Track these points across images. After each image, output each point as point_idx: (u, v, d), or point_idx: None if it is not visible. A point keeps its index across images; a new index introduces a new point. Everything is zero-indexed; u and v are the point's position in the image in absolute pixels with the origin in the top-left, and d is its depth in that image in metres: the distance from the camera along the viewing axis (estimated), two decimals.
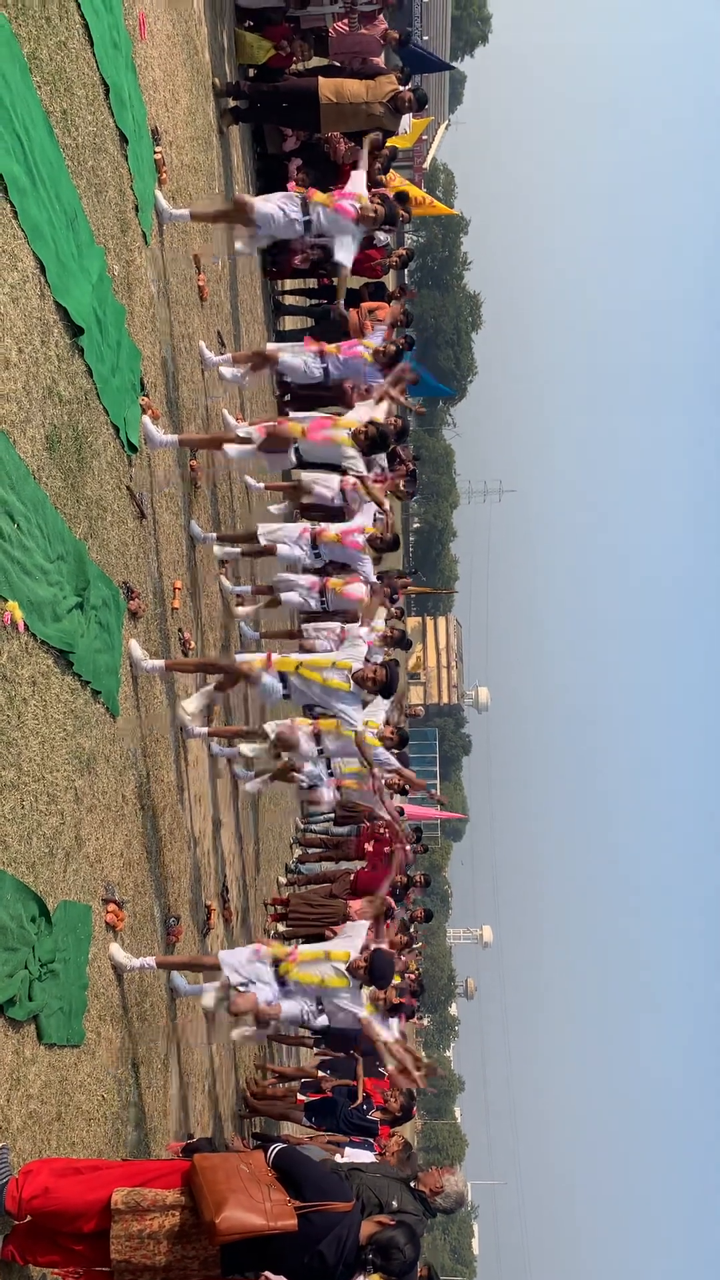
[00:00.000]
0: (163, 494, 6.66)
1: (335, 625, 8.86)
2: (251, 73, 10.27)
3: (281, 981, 5.52)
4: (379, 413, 7.51)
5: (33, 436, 4.25)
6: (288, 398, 11.43)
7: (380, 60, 10.70)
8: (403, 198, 12.43)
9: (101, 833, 4.96)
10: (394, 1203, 4.79)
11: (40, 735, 4.22)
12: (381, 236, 11.63)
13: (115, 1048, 5.04)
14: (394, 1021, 7.95)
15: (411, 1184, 5.04)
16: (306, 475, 7.69)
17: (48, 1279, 3.88)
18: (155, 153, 6.65)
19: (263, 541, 7.50)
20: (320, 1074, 8.80)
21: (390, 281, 13.88)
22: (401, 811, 14.14)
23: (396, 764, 8.13)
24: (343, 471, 7.58)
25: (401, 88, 9.81)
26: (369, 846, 11.61)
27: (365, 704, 7.03)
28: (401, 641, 11.02)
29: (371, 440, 7.31)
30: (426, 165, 53.68)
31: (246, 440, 7.00)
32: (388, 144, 11.02)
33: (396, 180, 14.94)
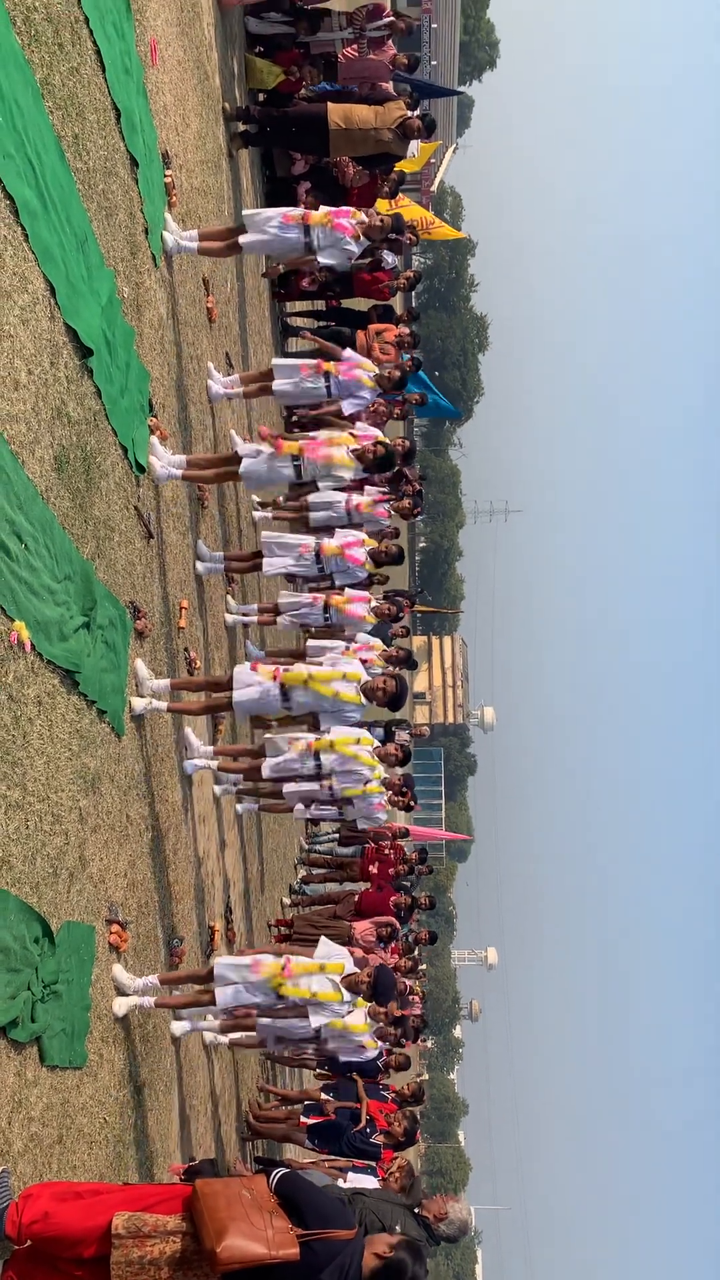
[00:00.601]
0: (170, 514, 6.68)
1: (340, 644, 8.86)
2: (261, 97, 10.37)
3: (277, 997, 5.50)
4: (372, 433, 7.60)
5: (41, 457, 4.27)
6: (294, 418, 11.47)
7: (389, 86, 10.79)
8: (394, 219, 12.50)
9: (105, 853, 4.95)
10: (397, 1229, 4.75)
11: (45, 755, 4.22)
12: (389, 259, 11.71)
13: (117, 1069, 5.02)
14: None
15: (415, 1210, 5.00)
16: (312, 497, 7.71)
17: None
18: (165, 176, 6.71)
19: (267, 572, 7.52)
20: (323, 1096, 8.74)
21: (398, 304, 13.96)
22: (407, 832, 14.10)
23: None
24: (348, 490, 7.62)
25: (410, 113, 9.90)
26: (373, 868, 11.57)
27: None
28: (407, 661, 11.02)
29: (378, 459, 7.34)
30: (434, 188, 54.08)
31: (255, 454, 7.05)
32: (396, 168, 11.10)
33: (404, 202, 15.05)
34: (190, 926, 6.74)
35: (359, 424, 7.94)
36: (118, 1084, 5.00)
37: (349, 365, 7.75)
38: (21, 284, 4.09)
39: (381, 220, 7.52)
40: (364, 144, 9.88)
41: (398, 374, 8.14)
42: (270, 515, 9.02)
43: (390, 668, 8.78)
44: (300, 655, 8.56)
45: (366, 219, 7.45)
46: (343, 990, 5.56)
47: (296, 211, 7.38)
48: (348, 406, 7.74)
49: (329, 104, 10.03)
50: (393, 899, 11.09)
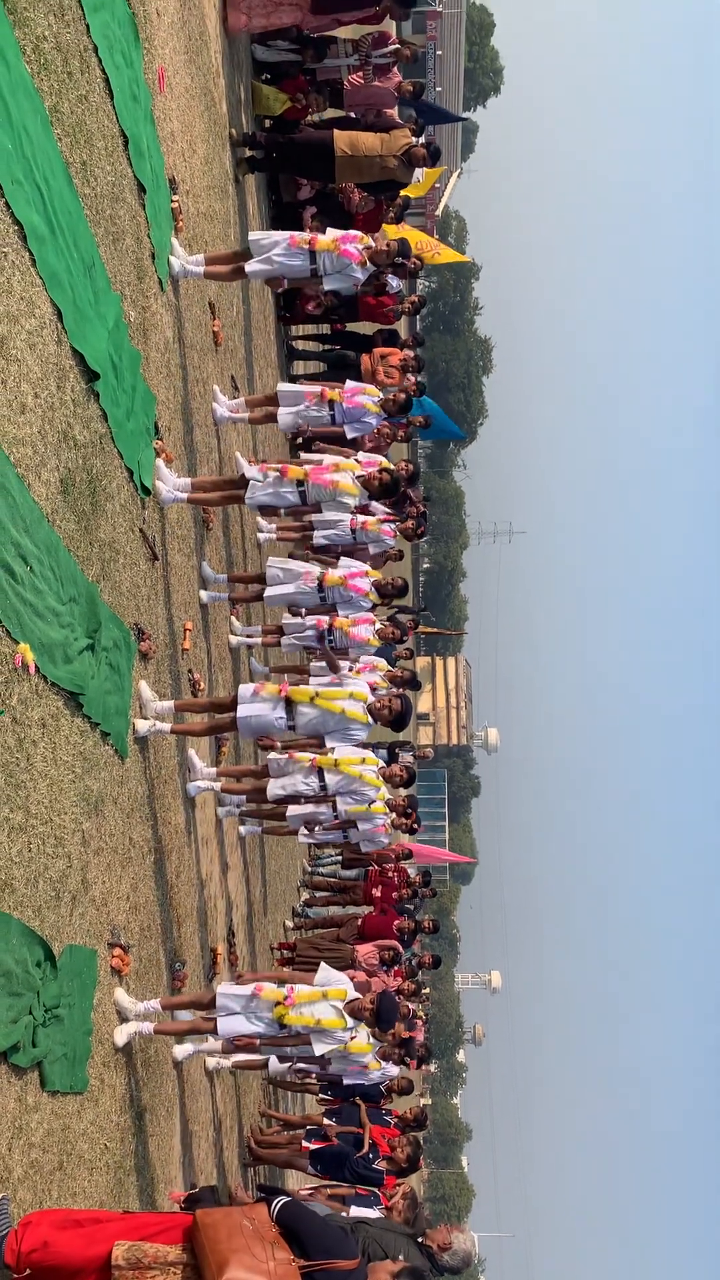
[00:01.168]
0: (175, 536, 6.70)
1: (344, 664, 8.85)
2: (268, 124, 10.47)
3: (280, 1026, 5.46)
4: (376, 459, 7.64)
5: (48, 480, 4.28)
6: (299, 441, 11.52)
7: (394, 113, 10.90)
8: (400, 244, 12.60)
9: (108, 876, 4.93)
10: (400, 1258, 4.71)
11: (49, 778, 4.22)
12: (394, 283, 11.78)
13: (119, 1095, 4.98)
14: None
15: (419, 1240, 4.95)
16: (316, 517, 7.73)
17: None
18: (172, 201, 6.77)
19: (269, 602, 7.53)
20: (326, 1121, 8.67)
21: (403, 328, 14.03)
22: (410, 853, 14.05)
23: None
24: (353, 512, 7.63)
25: (415, 140, 9.98)
26: (377, 891, 11.52)
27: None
28: (411, 682, 11.01)
29: (384, 486, 7.37)
30: (439, 213, 54.50)
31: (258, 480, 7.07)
32: (401, 194, 11.19)
33: (405, 229, 15.14)
34: (193, 950, 6.71)
35: (363, 451, 7.98)
36: (119, 1109, 4.96)
37: (353, 392, 7.79)
38: (29, 308, 4.12)
39: (388, 246, 7.57)
40: (369, 170, 9.97)
41: (403, 397, 8.17)
42: (275, 533, 9.05)
43: (394, 688, 8.77)
44: (305, 675, 8.57)
45: (373, 244, 7.49)
46: (346, 1017, 5.53)
47: (303, 236, 7.43)
48: (350, 431, 7.77)
49: (335, 130, 10.12)
50: (396, 923, 11.04)
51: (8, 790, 3.82)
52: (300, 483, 7.20)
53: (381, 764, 7.52)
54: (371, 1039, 6.28)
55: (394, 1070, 9.17)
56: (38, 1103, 3.99)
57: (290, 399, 7.67)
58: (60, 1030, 4.21)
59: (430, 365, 65.64)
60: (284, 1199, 3.77)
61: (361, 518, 7.83)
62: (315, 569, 7.47)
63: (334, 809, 7.13)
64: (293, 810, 7.34)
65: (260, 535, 9.39)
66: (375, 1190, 7.64)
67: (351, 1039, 5.67)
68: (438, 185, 42.28)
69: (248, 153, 9.76)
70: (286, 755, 6.85)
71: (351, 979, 6.42)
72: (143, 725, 5.66)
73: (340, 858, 13.17)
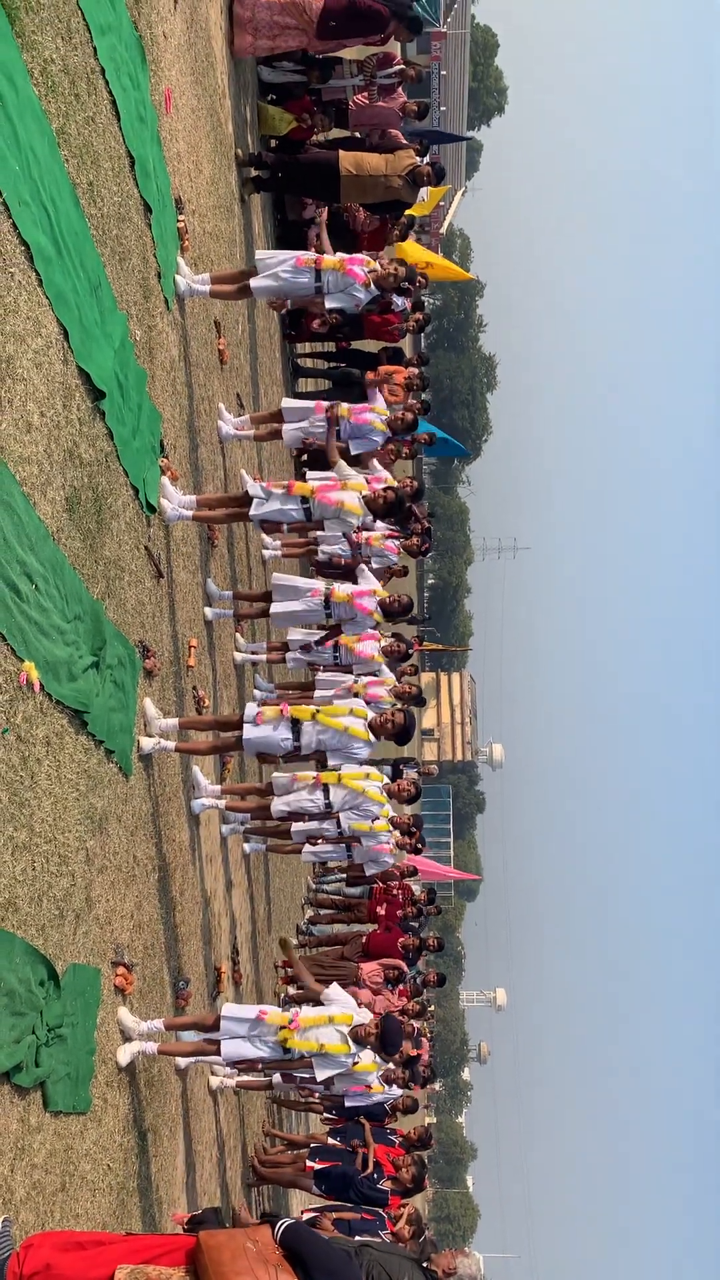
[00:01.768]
0: (180, 553, 6.71)
1: (348, 679, 8.85)
2: (273, 144, 10.54)
3: (284, 1050, 5.43)
4: (382, 475, 7.66)
5: (53, 498, 4.30)
6: (305, 457, 11.55)
7: (398, 133, 10.97)
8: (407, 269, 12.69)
9: (112, 894, 4.92)
10: None
11: (53, 796, 4.21)
12: (399, 301, 11.83)
13: (122, 1115, 4.95)
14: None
15: (424, 1264, 4.91)
16: (320, 534, 7.75)
17: None
18: (178, 221, 6.81)
19: (275, 621, 7.55)
20: (331, 1141, 8.62)
21: (408, 346, 14.08)
22: (415, 870, 14.02)
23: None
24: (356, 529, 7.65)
25: (420, 161, 10.04)
26: (381, 909, 11.48)
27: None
28: (416, 698, 11.00)
29: (388, 505, 7.39)
30: (443, 231, 54.81)
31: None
32: (406, 213, 11.25)
33: (409, 246, 15.22)
34: (197, 968, 6.68)
35: (369, 467, 8.00)
36: (122, 1129, 4.93)
37: (361, 409, 7.83)
38: (35, 328, 4.14)
39: (395, 270, 7.60)
40: (374, 190, 10.03)
41: (409, 416, 8.20)
42: (280, 549, 9.07)
43: (399, 704, 8.77)
44: (309, 692, 8.57)
45: (380, 268, 7.52)
46: (350, 1043, 5.51)
47: (309, 255, 7.46)
48: (355, 447, 7.80)
49: (340, 151, 10.19)
50: (401, 940, 11.01)
51: (12, 808, 3.82)
52: (305, 499, 7.22)
53: (386, 780, 7.51)
54: (377, 1059, 6.26)
55: (397, 1092, 9.13)
56: (40, 1123, 3.97)
57: (297, 414, 7.70)
58: (63, 1050, 4.20)
59: (435, 382, 65.82)
60: (288, 1221, 3.74)
61: (366, 533, 7.85)
62: (321, 585, 7.49)
63: (338, 825, 7.13)
64: (297, 827, 7.33)
65: (265, 552, 9.41)
66: (380, 1212, 7.59)
67: (355, 1064, 5.65)
68: (442, 204, 42.54)
69: (253, 173, 9.83)
70: (290, 776, 6.87)
71: (355, 997, 6.39)
72: (147, 743, 5.66)
73: (345, 875, 13.14)
